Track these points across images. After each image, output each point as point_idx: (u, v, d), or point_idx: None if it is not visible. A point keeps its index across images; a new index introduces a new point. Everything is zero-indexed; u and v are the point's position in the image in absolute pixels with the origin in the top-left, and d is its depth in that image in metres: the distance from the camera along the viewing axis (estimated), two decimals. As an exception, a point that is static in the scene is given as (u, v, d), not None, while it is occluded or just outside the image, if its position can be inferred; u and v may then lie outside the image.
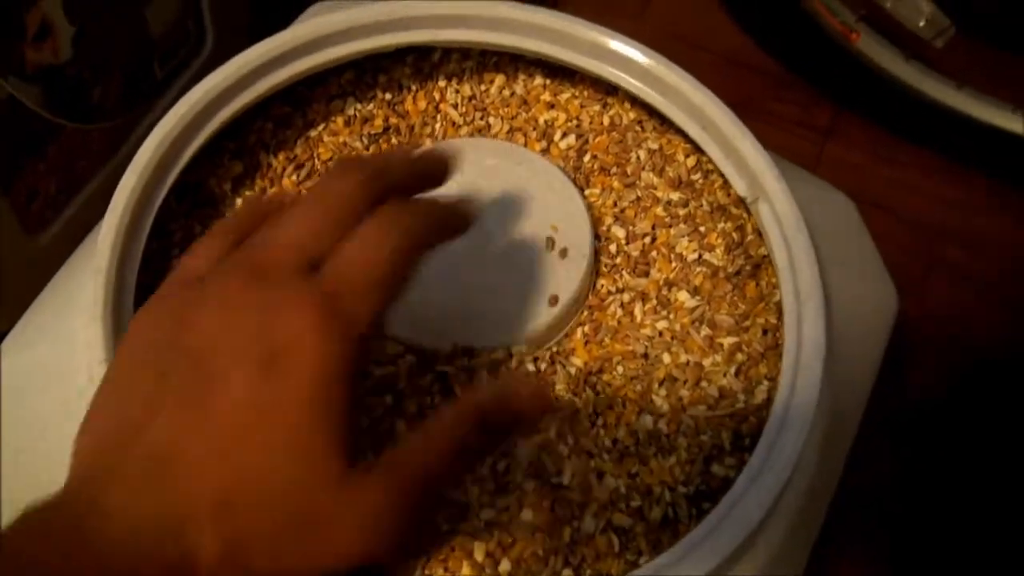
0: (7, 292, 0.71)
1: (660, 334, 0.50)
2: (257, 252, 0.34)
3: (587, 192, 0.55)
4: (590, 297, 0.52)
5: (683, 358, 0.49)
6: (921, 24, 0.87)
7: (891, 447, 0.75)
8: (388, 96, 0.57)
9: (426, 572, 0.43)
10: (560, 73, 0.58)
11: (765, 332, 0.50)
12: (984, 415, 0.77)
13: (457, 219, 0.37)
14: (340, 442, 0.31)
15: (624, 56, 0.51)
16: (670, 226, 0.53)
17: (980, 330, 0.81)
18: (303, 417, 0.31)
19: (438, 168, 0.38)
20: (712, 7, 0.98)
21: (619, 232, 0.53)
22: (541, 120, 0.57)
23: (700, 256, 0.52)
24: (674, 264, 0.52)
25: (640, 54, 0.51)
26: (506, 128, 0.57)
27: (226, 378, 0.31)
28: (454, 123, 0.57)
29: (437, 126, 0.56)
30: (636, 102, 0.57)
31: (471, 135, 0.56)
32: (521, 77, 0.58)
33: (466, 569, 0.43)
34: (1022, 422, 0.76)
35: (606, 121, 0.57)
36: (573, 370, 0.49)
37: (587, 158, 0.56)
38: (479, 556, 0.43)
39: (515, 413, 0.34)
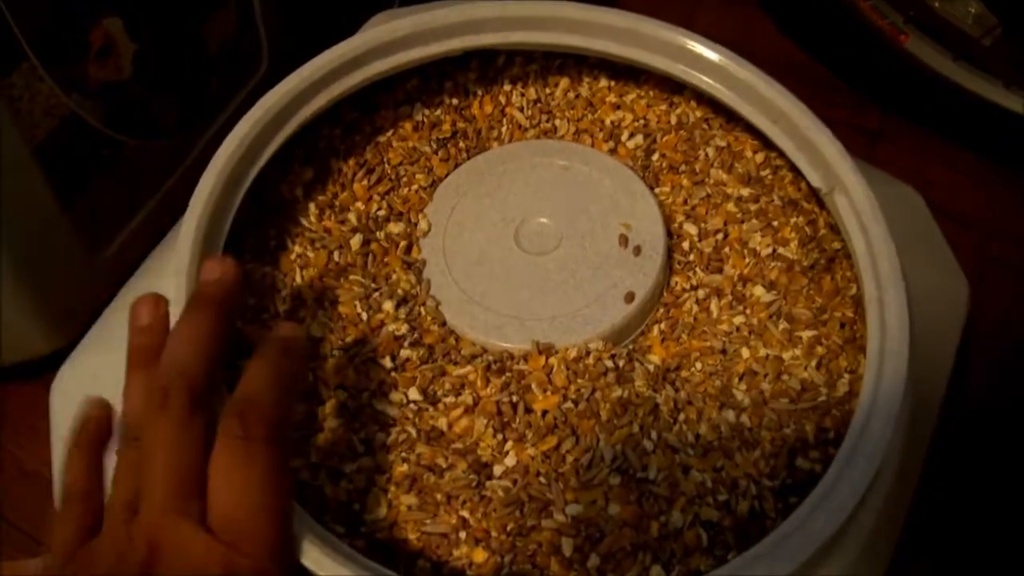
0: (69, 310, 0.72)
1: (737, 329, 0.50)
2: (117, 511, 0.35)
3: (657, 190, 0.55)
4: (665, 294, 0.52)
5: (762, 352, 0.49)
6: (969, 22, 0.87)
7: (955, 447, 0.74)
8: (455, 101, 0.57)
9: (514, 568, 0.43)
10: (625, 74, 0.58)
11: (843, 325, 0.50)
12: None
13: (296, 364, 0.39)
14: None
15: (694, 53, 0.51)
16: (742, 222, 0.53)
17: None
18: None
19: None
20: (758, 14, 0.98)
21: (691, 229, 0.53)
22: (607, 121, 0.57)
23: (774, 251, 0.52)
24: (748, 259, 0.52)
25: (710, 51, 0.51)
26: (572, 130, 0.57)
27: None
28: (520, 126, 0.57)
29: (504, 129, 0.57)
30: (702, 100, 0.57)
31: (538, 137, 0.57)
32: (586, 79, 0.58)
33: (554, 565, 0.43)
34: None
35: (673, 120, 0.57)
36: (651, 367, 0.49)
37: (655, 157, 0.56)
38: (567, 551, 0.43)
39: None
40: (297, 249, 0.51)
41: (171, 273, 0.45)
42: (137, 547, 0.33)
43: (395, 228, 0.52)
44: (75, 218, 0.69)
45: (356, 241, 0.51)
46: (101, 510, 0.37)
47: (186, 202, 0.47)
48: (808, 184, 0.51)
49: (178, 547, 0.33)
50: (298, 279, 0.50)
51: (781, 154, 0.52)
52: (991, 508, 0.71)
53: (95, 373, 0.50)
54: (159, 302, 0.40)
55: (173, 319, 0.39)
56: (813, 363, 0.49)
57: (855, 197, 0.48)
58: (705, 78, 0.52)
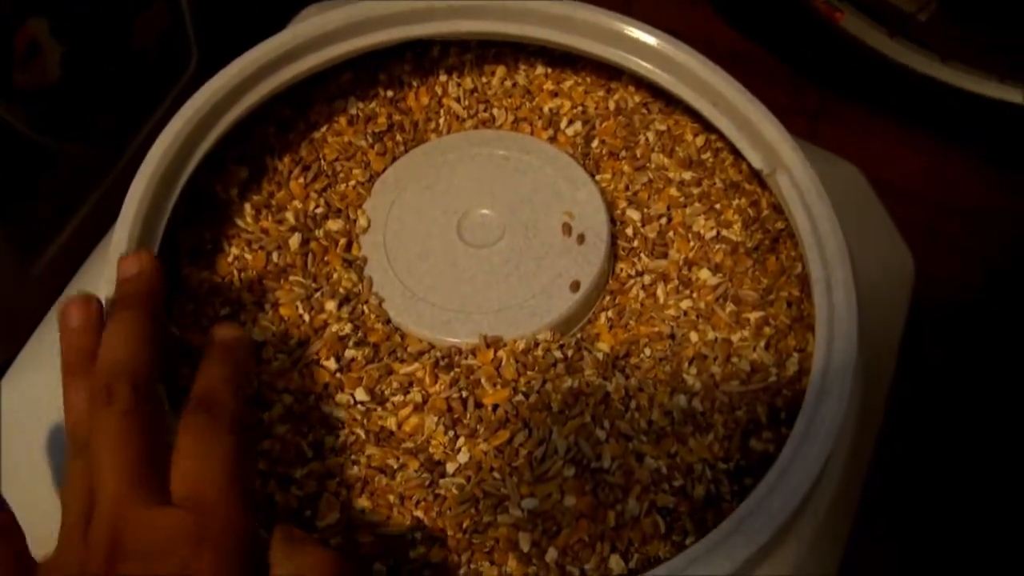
0: (3, 323, 0.70)
1: (685, 313, 0.50)
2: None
3: (598, 177, 0.54)
4: (611, 282, 0.51)
5: (711, 335, 0.49)
6: (904, -2, 0.88)
7: (909, 422, 0.75)
8: (390, 93, 0.56)
9: (472, 567, 0.42)
10: (562, 61, 0.57)
11: (790, 305, 0.50)
12: (989, 386, 0.77)
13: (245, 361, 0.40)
14: None
15: (630, 38, 0.51)
16: (685, 206, 0.53)
17: (984, 303, 0.81)
18: None
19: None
20: (696, 0, 0.98)
21: (634, 215, 0.53)
22: (546, 109, 0.56)
23: (718, 233, 0.52)
24: (692, 243, 0.52)
25: (647, 35, 0.51)
26: (511, 119, 0.56)
27: None
28: (458, 117, 0.56)
29: (441, 120, 0.56)
30: (640, 85, 0.56)
31: (476, 127, 0.56)
32: (522, 67, 0.57)
33: (512, 561, 0.42)
34: None
35: (611, 106, 0.56)
36: (600, 355, 0.48)
37: (595, 144, 0.55)
38: (524, 546, 0.42)
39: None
40: (234, 251, 0.50)
41: (105, 280, 0.44)
42: (97, 548, 0.32)
43: (334, 225, 0.51)
44: (5, 228, 0.67)
45: (295, 241, 0.50)
46: None
47: (119, 207, 0.45)
48: (749, 165, 0.50)
49: (141, 529, 0.32)
50: (236, 282, 0.49)
51: (721, 136, 0.52)
52: (949, 482, 0.72)
53: (32, 392, 0.48)
54: (89, 301, 0.39)
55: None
56: (762, 344, 0.48)
57: (797, 176, 0.48)
58: (643, 63, 0.52)
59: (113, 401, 0.34)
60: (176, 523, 0.32)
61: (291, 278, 0.49)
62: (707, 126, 0.53)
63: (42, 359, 0.50)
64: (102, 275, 0.43)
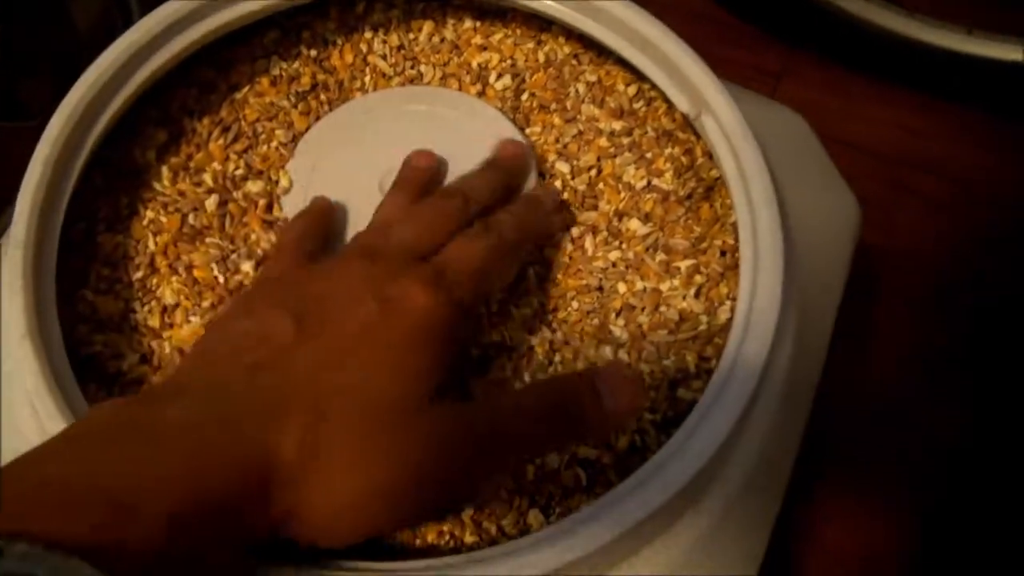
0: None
1: (613, 264, 0.48)
2: (371, 241, 0.42)
3: (528, 131, 0.53)
4: (539, 235, 0.50)
5: (639, 285, 0.47)
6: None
7: (868, 387, 0.73)
8: (313, 52, 0.55)
9: (387, 525, 0.41)
10: (491, 14, 0.56)
11: (723, 253, 0.48)
12: (955, 340, 0.76)
13: (549, 222, 0.48)
14: (433, 372, 0.36)
15: (552, -16, 0.49)
16: (615, 156, 0.51)
17: (949, 256, 0.79)
18: (406, 342, 0.35)
19: (518, 175, 0.49)
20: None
21: (563, 168, 0.51)
22: (474, 63, 0.55)
23: (649, 183, 0.50)
24: (623, 194, 0.50)
25: (567, -21, 0.49)
26: (439, 75, 0.55)
27: (342, 314, 0.36)
28: (384, 74, 0.54)
29: (367, 79, 0.54)
30: (571, 36, 0.55)
31: (403, 85, 0.54)
32: (450, 22, 0.56)
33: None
34: (992, 349, 0.74)
35: (541, 58, 0.55)
36: (528, 311, 0.47)
37: (524, 97, 0.54)
38: (439, 504, 0.41)
39: None
40: (149, 214, 0.48)
41: (12, 246, 0.43)
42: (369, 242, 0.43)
43: (254, 187, 0.50)
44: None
45: (212, 202, 0.49)
46: None
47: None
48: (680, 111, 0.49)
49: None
50: (151, 245, 0.47)
51: (654, 85, 0.50)
52: (903, 436, 0.70)
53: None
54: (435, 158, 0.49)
55: None
56: (692, 292, 0.47)
57: (723, 119, 0.47)
58: (569, 11, 0.50)
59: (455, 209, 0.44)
60: (417, 267, 0.39)
61: (207, 240, 0.48)
62: (640, 75, 0.52)
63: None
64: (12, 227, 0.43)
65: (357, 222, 0.48)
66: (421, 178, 0.47)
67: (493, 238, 0.42)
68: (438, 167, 0.48)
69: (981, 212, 0.81)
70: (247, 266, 0.47)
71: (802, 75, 0.89)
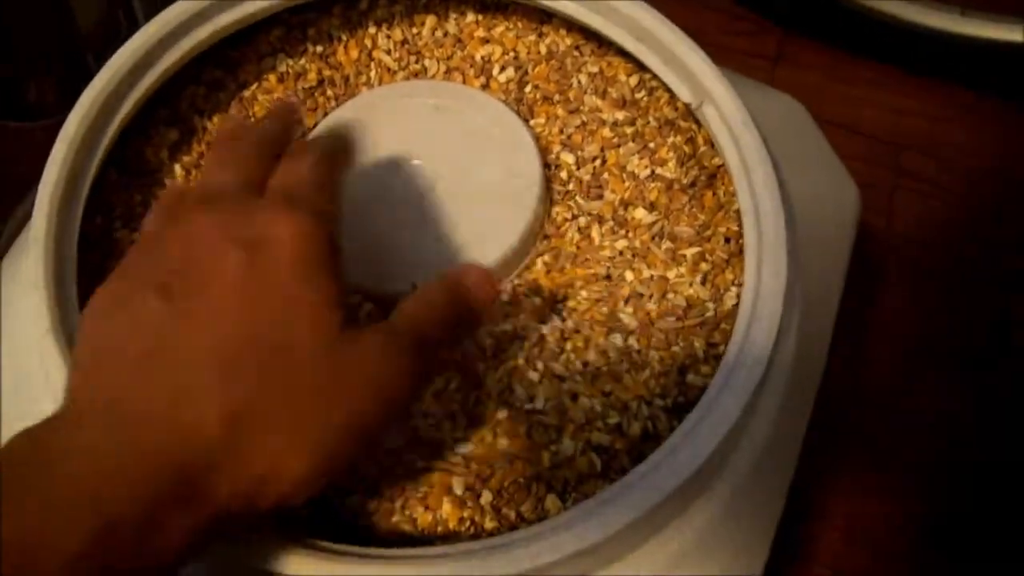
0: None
1: (620, 253, 0.49)
2: (202, 192, 0.37)
3: (532, 123, 0.53)
4: (546, 226, 0.51)
5: (646, 273, 0.48)
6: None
7: (869, 370, 0.74)
8: (319, 49, 0.55)
9: (406, 512, 0.42)
10: (492, 7, 0.56)
11: (728, 240, 0.49)
12: (954, 327, 0.76)
13: (348, 148, 0.42)
14: (334, 298, 0.33)
15: (554, -23, 0.50)
16: (619, 146, 0.52)
17: (951, 242, 0.80)
18: (295, 277, 0.33)
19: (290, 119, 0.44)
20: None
21: (568, 158, 0.52)
22: (477, 57, 0.56)
23: (653, 172, 0.51)
24: (627, 183, 0.51)
25: (569, -28, 0.50)
26: (443, 69, 0.55)
27: (211, 274, 0.32)
28: (389, 69, 0.55)
29: (372, 74, 0.55)
30: (572, 28, 0.56)
31: (407, 79, 0.55)
32: (452, 16, 0.57)
33: (447, 505, 0.42)
34: (996, 334, 0.75)
35: (543, 50, 0.56)
36: (537, 300, 0.48)
37: (528, 89, 0.55)
38: (459, 490, 0.42)
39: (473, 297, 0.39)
40: (163, 213, 0.49)
41: (31, 241, 0.44)
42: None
43: (265, 183, 0.51)
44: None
45: (224, 200, 0.49)
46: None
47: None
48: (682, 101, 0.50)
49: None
50: (166, 243, 0.48)
51: (655, 75, 0.51)
52: (907, 420, 0.71)
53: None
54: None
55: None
56: (698, 279, 0.48)
57: (724, 107, 0.48)
58: (569, 3, 0.51)
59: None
60: (265, 197, 0.36)
61: (221, 237, 0.48)
62: (641, 66, 0.52)
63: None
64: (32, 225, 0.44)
65: (369, 217, 0.49)
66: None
67: (317, 156, 0.38)
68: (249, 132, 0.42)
69: (980, 193, 0.82)
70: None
71: (800, 59, 0.89)
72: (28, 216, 0.61)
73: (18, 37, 0.66)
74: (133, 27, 0.76)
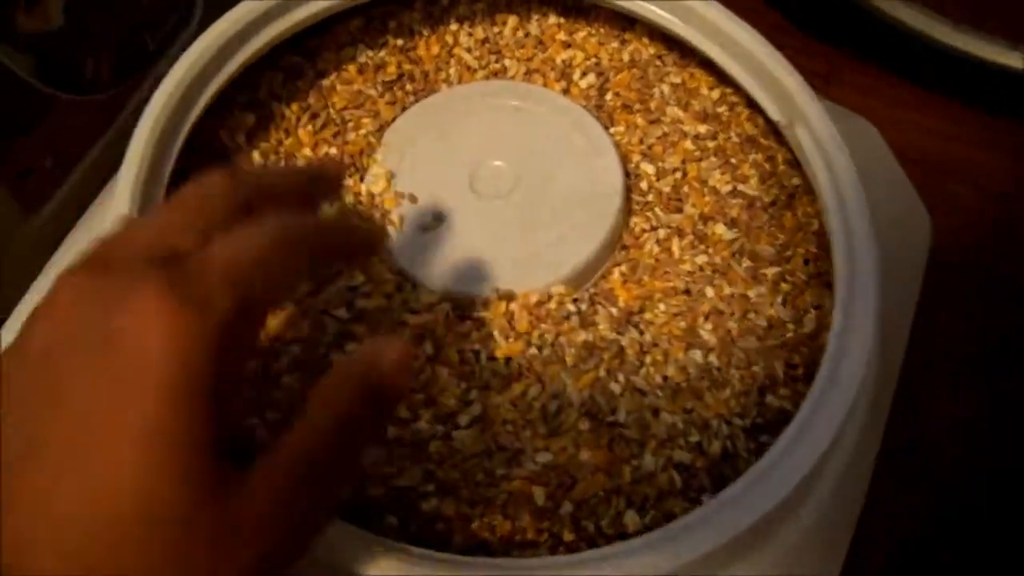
0: (3, 275, 0.68)
1: (700, 268, 0.49)
2: (106, 247, 0.29)
3: (612, 130, 0.53)
4: (625, 236, 0.50)
5: (727, 290, 0.48)
6: (915, -40, 0.86)
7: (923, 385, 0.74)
8: (400, 42, 0.55)
9: (485, 520, 0.41)
10: (575, 10, 0.56)
11: (807, 262, 0.49)
12: (971, 334, 0.76)
13: (357, 240, 0.36)
14: (200, 442, 0.26)
15: (646, -15, 0.50)
16: (700, 160, 0.52)
17: (997, 266, 0.80)
18: (149, 415, 0.25)
19: (323, 181, 0.36)
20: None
21: (648, 169, 0.52)
22: (558, 60, 0.55)
23: (734, 188, 0.51)
24: (708, 198, 0.51)
25: (663, -18, 0.50)
26: (523, 70, 0.55)
27: (69, 385, 0.26)
28: (469, 67, 0.55)
29: (451, 71, 0.54)
30: (655, 36, 0.55)
31: (487, 79, 0.55)
32: (535, 17, 0.56)
33: (527, 515, 0.41)
34: (1012, 341, 0.75)
35: (625, 57, 0.55)
36: (614, 310, 0.47)
37: (609, 96, 0.54)
38: (540, 500, 0.41)
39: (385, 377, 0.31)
40: (242, 199, 0.49)
41: (112, 224, 0.43)
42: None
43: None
44: (7, 177, 0.66)
45: (303, 189, 0.49)
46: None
47: (120, 160, 0.44)
48: (766, 119, 0.49)
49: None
50: (245, 231, 0.48)
51: (737, 90, 0.51)
52: (964, 442, 0.71)
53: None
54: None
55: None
56: (779, 300, 0.48)
57: (816, 129, 0.47)
58: (657, 10, 0.51)
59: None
60: (152, 278, 0.27)
61: (299, 227, 0.48)
62: (722, 79, 0.52)
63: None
64: (103, 225, 0.43)
65: (448, 216, 0.48)
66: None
67: (274, 235, 0.29)
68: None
69: (1011, 213, 0.82)
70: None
71: (848, 79, 0.89)
72: (77, 187, 0.61)
73: (82, 7, 0.65)
74: (190, 5, 0.75)
